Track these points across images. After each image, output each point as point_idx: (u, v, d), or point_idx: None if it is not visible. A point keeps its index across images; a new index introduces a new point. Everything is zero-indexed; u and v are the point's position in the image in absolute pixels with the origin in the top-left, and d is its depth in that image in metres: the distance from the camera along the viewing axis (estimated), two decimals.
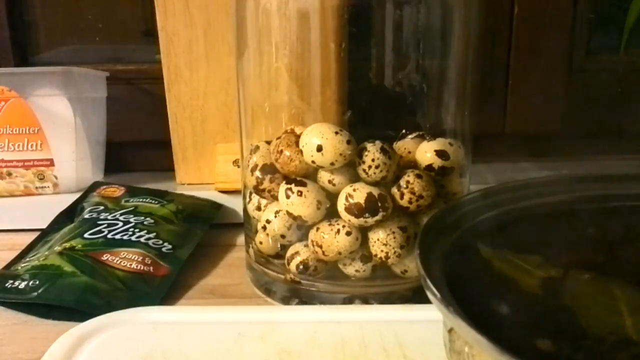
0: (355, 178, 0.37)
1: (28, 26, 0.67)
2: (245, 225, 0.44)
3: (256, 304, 0.41)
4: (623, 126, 0.54)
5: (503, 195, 0.34)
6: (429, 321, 0.33)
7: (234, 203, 0.55)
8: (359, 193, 0.36)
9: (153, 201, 0.52)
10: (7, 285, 0.40)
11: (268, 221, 0.39)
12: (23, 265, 0.43)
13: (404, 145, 0.39)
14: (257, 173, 0.39)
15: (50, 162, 0.57)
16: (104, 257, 0.42)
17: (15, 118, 0.56)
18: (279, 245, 0.41)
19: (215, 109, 0.58)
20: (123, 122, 0.66)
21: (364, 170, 0.36)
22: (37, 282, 0.40)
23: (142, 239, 0.45)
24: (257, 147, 0.41)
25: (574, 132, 0.55)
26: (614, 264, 0.31)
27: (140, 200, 0.52)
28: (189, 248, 0.47)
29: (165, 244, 0.46)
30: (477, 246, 0.30)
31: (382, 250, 0.37)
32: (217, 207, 0.55)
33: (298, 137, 0.37)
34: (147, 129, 0.65)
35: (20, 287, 0.40)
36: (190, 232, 0.49)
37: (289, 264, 0.39)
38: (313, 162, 0.36)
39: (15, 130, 0.56)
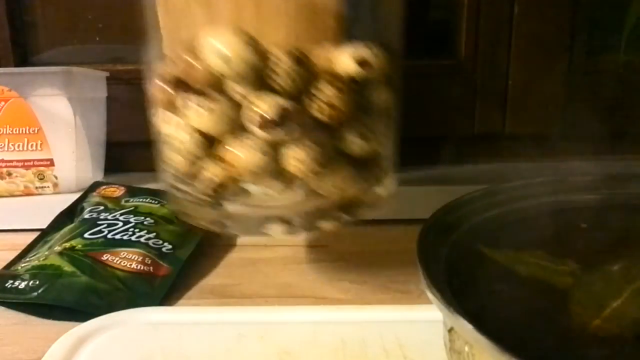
0: (268, 90, 0.34)
1: (28, 26, 0.67)
2: (155, 144, 0.41)
3: (256, 304, 0.41)
4: (623, 127, 0.54)
5: (503, 195, 0.34)
6: (429, 321, 0.33)
7: None
8: (271, 106, 0.33)
9: (153, 201, 0.52)
10: (7, 285, 0.40)
11: (176, 138, 0.36)
12: (23, 265, 0.43)
13: (323, 53, 0.36)
14: (164, 85, 0.36)
15: (50, 162, 0.57)
16: (104, 257, 0.42)
17: (15, 118, 0.56)
18: (189, 165, 0.37)
19: None
20: (123, 122, 0.66)
21: (277, 81, 0.33)
22: (37, 282, 0.39)
23: (142, 239, 0.45)
24: (165, 55, 0.37)
25: (574, 132, 0.55)
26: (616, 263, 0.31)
27: (140, 200, 0.52)
28: (189, 248, 0.47)
29: (165, 244, 0.46)
30: (485, 252, 0.30)
31: (299, 168, 0.34)
32: None
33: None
34: (147, 129, 0.65)
35: (20, 287, 0.40)
36: (190, 232, 0.49)
37: (202, 184, 0.36)
38: (218, 70, 0.33)
39: (15, 130, 0.56)
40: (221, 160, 0.35)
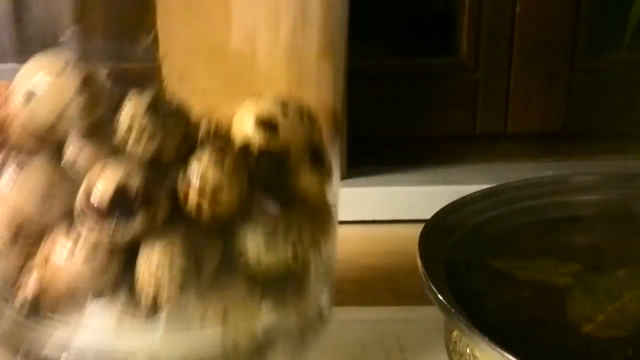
0: (117, 153, 0.22)
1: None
2: None
3: None
4: (626, 126, 0.53)
5: (505, 195, 0.34)
6: (430, 322, 0.33)
7: None
8: (108, 179, 0.21)
9: None
10: None
11: None
12: None
13: (224, 110, 0.24)
14: None
15: None
16: None
17: None
18: (8, 267, 0.24)
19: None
20: None
21: (121, 141, 0.22)
22: None
23: None
24: None
25: (577, 131, 0.55)
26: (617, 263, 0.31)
27: None
28: None
29: None
30: (488, 260, 0.30)
31: (151, 284, 0.22)
32: None
33: None
34: None
35: None
36: None
37: (14, 299, 0.24)
38: (30, 120, 0.22)
39: None
40: (38, 261, 0.23)
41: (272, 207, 0.24)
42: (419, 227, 0.31)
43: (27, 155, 0.22)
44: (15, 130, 0.22)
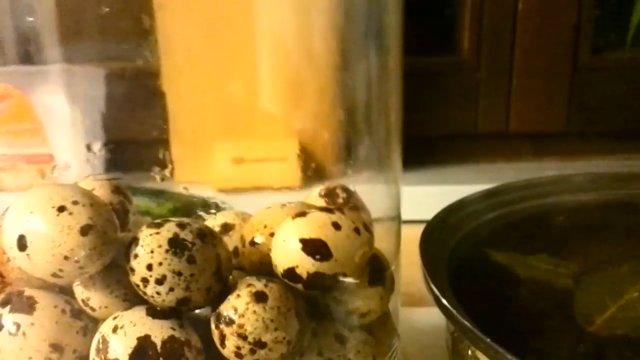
0: (134, 298, 0.19)
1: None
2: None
3: None
4: (628, 125, 0.53)
5: (507, 195, 0.34)
6: (431, 324, 0.33)
7: (232, 203, 0.55)
8: (125, 334, 0.18)
9: (150, 200, 0.52)
10: None
11: None
12: None
13: (262, 219, 0.20)
14: None
15: (50, 160, 0.57)
16: None
17: (16, 115, 0.56)
18: None
19: (215, 106, 0.57)
20: (122, 119, 0.65)
21: (140, 285, 0.18)
22: None
23: None
24: None
25: (579, 131, 0.55)
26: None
27: (138, 198, 0.52)
28: None
29: None
30: (488, 253, 0.30)
31: None
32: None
33: None
34: (146, 127, 0.65)
35: None
36: None
37: None
38: (26, 268, 0.18)
39: (16, 128, 0.56)
40: None
41: (326, 342, 0.20)
42: (420, 228, 0.30)
43: (28, 302, 0.19)
44: (10, 275, 0.19)
